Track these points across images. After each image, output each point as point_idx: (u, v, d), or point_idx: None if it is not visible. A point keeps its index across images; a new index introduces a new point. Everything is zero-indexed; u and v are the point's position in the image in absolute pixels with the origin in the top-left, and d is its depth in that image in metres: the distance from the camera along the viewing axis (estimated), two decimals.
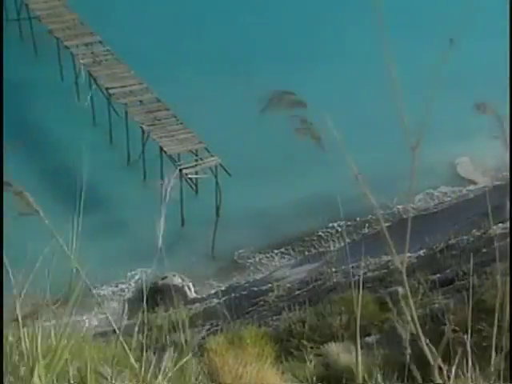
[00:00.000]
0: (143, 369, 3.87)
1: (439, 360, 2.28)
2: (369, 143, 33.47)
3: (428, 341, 2.52)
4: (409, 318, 2.30)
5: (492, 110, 2.96)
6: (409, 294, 2.24)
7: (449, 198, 33.16)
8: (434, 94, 2.33)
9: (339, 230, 32.69)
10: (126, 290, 30.36)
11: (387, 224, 29.21)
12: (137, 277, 30.67)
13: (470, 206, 25.80)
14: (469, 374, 3.48)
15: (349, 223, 32.54)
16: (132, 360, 3.89)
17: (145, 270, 30.43)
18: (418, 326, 2.20)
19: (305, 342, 12.33)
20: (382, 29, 2.29)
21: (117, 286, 30.51)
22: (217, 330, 14.88)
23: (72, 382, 3.67)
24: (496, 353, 2.70)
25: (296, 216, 32.22)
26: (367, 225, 31.98)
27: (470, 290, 10.57)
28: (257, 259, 31.82)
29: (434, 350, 2.34)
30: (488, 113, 2.97)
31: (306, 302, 15.35)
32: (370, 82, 32.42)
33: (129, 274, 30.84)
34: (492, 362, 2.57)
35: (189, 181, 32.95)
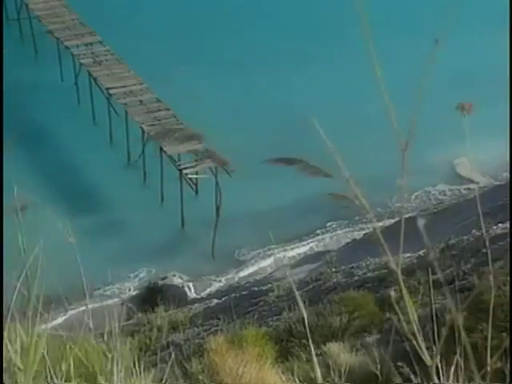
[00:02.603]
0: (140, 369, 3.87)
1: (437, 360, 2.28)
2: (369, 141, 33.47)
3: (427, 341, 2.52)
4: (403, 320, 2.30)
5: (474, 110, 2.96)
6: (405, 296, 2.24)
7: (448, 198, 33.12)
8: (422, 95, 2.32)
9: (339, 229, 32.69)
10: (122, 290, 30.25)
11: (389, 223, 29.18)
12: (140, 276, 30.64)
13: (470, 206, 25.77)
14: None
15: (348, 222, 32.57)
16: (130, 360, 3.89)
17: (149, 269, 30.46)
18: (414, 326, 2.20)
19: (305, 342, 12.33)
20: (366, 28, 2.28)
21: (119, 284, 30.40)
22: (217, 330, 14.87)
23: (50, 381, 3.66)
24: (493, 353, 2.70)
25: (296, 216, 32.20)
26: (368, 224, 31.95)
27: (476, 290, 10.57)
28: (257, 259, 31.80)
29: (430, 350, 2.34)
30: (471, 113, 2.98)
31: (306, 302, 15.33)
32: (370, 81, 32.33)
33: (129, 274, 30.80)
34: (488, 362, 2.57)
35: (189, 181, 32.92)
